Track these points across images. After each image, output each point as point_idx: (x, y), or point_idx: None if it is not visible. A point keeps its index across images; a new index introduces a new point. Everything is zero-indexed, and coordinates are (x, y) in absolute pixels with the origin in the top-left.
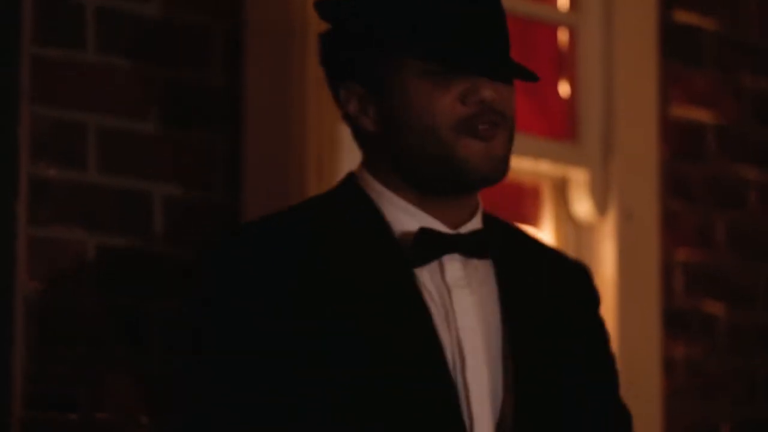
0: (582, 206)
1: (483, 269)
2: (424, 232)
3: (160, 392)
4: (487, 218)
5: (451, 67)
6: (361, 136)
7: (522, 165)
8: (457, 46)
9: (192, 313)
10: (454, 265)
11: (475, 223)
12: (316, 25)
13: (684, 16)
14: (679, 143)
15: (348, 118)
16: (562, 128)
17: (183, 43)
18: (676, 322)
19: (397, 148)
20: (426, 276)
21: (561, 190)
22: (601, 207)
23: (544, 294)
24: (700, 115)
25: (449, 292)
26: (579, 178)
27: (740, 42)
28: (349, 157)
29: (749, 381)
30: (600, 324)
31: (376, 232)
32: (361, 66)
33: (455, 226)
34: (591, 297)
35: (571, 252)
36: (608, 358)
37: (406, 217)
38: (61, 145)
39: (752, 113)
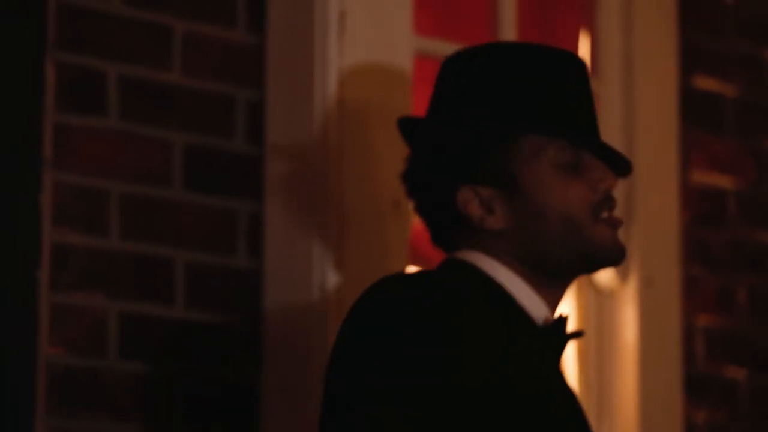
0: (603, 272)
1: None
2: (561, 320)
3: None
4: None
5: (585, 146)
6: (481, 235)
7: None
8: (584, 135)
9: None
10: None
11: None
12: (336, 94)
13: (704, 83)
14: (699, 209)
15: (450, 218)
16: None
17: (205, 110)
18: (698, 387)
19: (529, 240)
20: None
21: None
22: (622, 273)
23: None
24: (721, 180)
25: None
26: None
27: (761, 107)
28: (368, 223)
29: None
30: None
31: (516, 315)
32: (489, 167)
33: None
34: None
35: (592, 317)
36: None
37: (533, 305)
38: (84, 212)
39: None
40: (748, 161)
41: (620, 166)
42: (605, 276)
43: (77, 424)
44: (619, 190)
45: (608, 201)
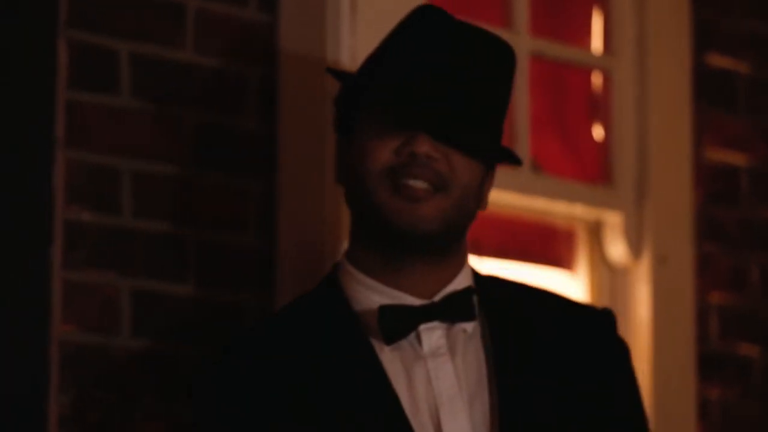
0: (616, 249)
1: (474, 332)
2: (384, 310)
3: None
4: (481, 279)
5: (387, 114)
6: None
7: (556, 208)
8: (405, 99)
9: None
10: (432, 334)
11: (457, 285)
12: (349, 69)
13: (717, 60)
14: (713, 187)
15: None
16: (596, 172)
17: (217, 89)
18: (711, 365)
19: (348, 200)
20: (405, 350)
21: (595, 233)
22: (635, 250)
23: (546, 350)
24: (734, 158)
25: (425, 362)
26: (613, 222)
27: None
28: None
29: None
30: (623, 373)
31: (343, 323)
32: (343, 123)
33: (431, 294)
34: (612, 346)
35: (605, 295)
36: (633, 408)
37: (376, 296)
38: (96, 190)
39: None
40: (762, 139)
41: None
42: (618, 252)
43: (89, 402)
44: (632, 168)
45: (415, 168)
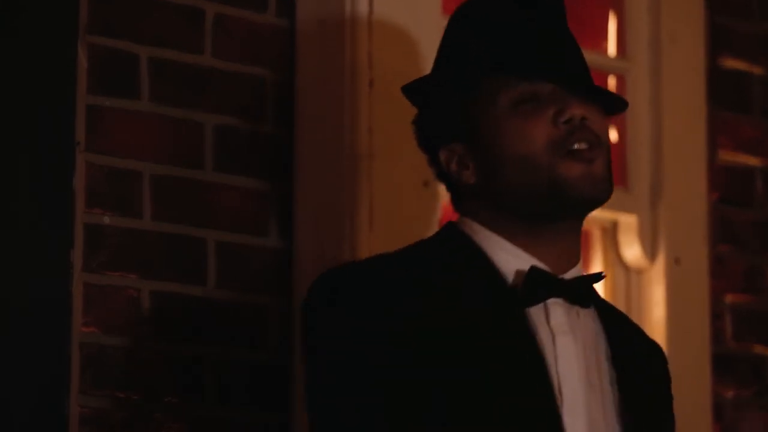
0: (631, 251)
1: (584, 318)
2: (534, 271)
3: None
4: None
5: (534, 77)
6: (463, 193)
7: None
8: (543, 63)
9: (315, 353)
10: (557, 310)
11: (577, 271)
12: (365, 76)
13: (732, 63)
14: (727, 189)
15: (448, 178)
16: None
17: (236, 93)
18: (726, 365)
19: (498, 189)
20: (533, 318)
21: (611, 235)
22: (650, 252)
23: (637, 356)
24: (748, 160)
25: (553, 337)
26: (628, 224)
27: None
28: (398, 203)
29: None
30: (671, 401)
31: (485, 274)
32: (457, 123)
33: (559, 272)
34: (667, 374)
35: (621, 296)
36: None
37: (513, 259)
38: (116, 193)
39: None
40: None
41: (609, 101)
42: (633, 254)
43: (110, 403)
44: (647, 170)
45: (576, 132)
